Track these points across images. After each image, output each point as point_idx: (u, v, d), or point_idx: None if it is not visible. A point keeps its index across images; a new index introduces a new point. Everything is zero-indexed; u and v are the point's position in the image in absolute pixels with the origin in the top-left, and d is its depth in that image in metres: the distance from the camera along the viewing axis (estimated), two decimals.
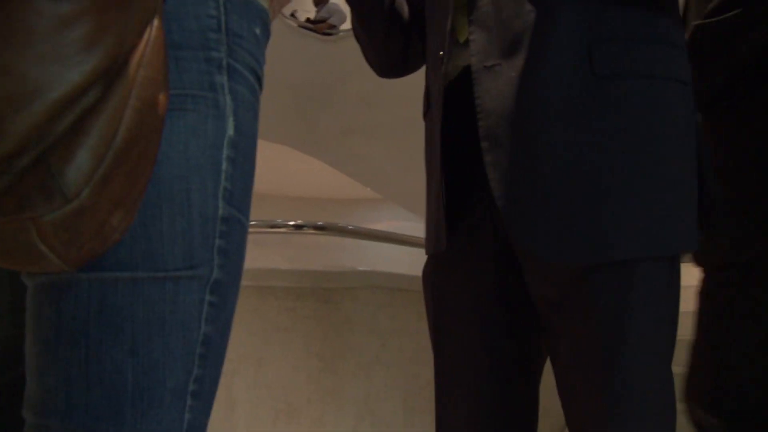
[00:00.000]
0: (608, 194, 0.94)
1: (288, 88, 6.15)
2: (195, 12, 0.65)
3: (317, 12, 8.66)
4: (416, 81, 1.37)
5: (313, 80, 6.40)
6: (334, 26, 8.52)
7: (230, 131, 0.65)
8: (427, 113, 1.20)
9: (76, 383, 0.57)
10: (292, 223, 2.89)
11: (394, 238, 3.16)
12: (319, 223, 2.97)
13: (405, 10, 1.28)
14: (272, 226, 2.92)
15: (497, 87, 0.99)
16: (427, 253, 1.19)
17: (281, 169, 7.78)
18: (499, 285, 1.08)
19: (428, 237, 1.17)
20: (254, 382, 2.53)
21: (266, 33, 0.74)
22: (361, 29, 1.29)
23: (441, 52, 1.08)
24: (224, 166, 0.65)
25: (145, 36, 0.52)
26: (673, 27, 1.02)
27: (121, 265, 0.59)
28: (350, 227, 3.23)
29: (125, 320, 0.58)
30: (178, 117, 0.62)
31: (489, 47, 1.00)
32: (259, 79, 0.72)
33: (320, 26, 8.23)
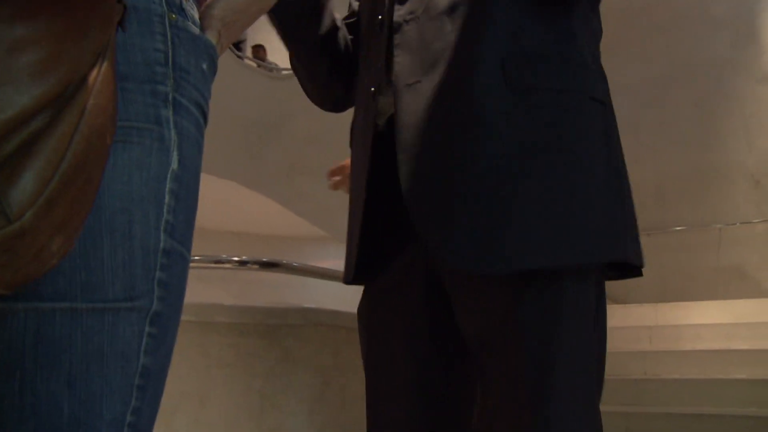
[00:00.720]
0: (521, 203, 0.95)
1: (235, 125, 6.13)
2: (142, 45, 0.66)
3: None
4: None
5: (260, 117, 6.40)
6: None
7: (174, 165, 0.66)
8: (352, 143, 1.21)
9: (9, 415, 0.56)
10: (236, 258, 2.87)
11: (338, 276, 3.15)
12: (264, 259, 2.95)
13: (343, 44, 1.29)
14: (217, 262, 2.90)
15: (415, 102, 1.01)
16: (345, 282, 1.18)
17: (229, 205, 7.71)
18: (431, 323, 1.08)
19: (346, 266, 1.17)
20: (196, 419, 2.47)
21: (213, 68, 0.75)
22: (300, 66, 1.29)
23: (373, 88, 1.10)
24: (167, 199, 0.65)
25: (98, 67, 0.52)
26: (589, 53, 1.06)
27: (60, 295, 0.58)
28: (295, 264, 3.22)
29: (62, 351, 0.58)
30: (123, 149, 0.62)
31: (411, 67, 1.03)
32: (204, 114, 0.73)
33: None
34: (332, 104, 1.34)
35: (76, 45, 0.49)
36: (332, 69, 1.27)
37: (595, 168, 0.99)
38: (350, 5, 1.34)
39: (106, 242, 0.61)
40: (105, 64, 0.53)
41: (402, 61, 1.05)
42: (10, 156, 0.47)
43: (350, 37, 1.30)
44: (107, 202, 0.61)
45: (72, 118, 0.49)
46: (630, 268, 1.07)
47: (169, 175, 0.65)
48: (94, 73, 0.52)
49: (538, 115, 0.98)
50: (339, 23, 1.28)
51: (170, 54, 0.68)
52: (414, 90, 1.02)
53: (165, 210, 0.65)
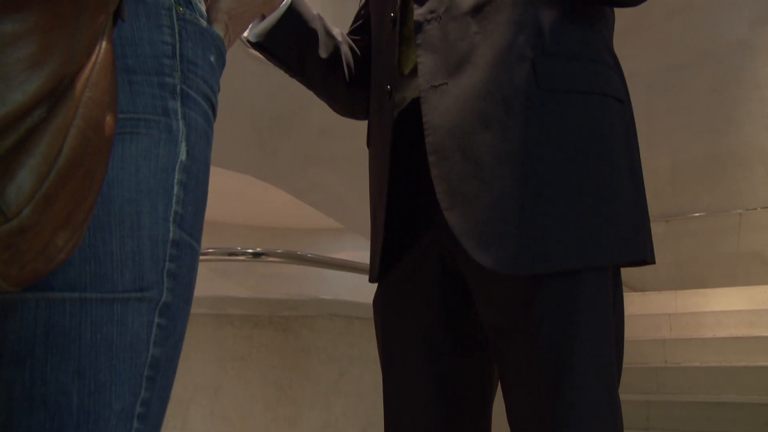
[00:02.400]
0: (553, 205, 0.95)
1: (248, 118, 6.14)
2: (150, 38, 0.66)
3: None
4: None
5: (273, 110, 6.40)
6: None
7: (182, 156, 0.66)
8: (370, 143, 1.22)
9: (19, 405, 0.57)
10: (251, 250, 2.87)
11: (352, 266, 3.15)
12: (278, 250, 2.96)
13: (352, 54, 1.28)
14: (231, 254, 2.91)
15: (444, 104, 1.01)
16: (370, 281, 1.19)
17: (243, 199, 7.75)
18: (446, 312, 1.09)
19: (371, 265, 1.18)
20: (210, 411, 2.49)
21: (221, 61, 0.75)
22: (317, 91, 1.29)
23: (389, 86, 1.10)
24: (175, 190, 0.65)
25: (93, 57, 0.52)
26: (606, 49, 1.07)
27: (69, 285, 0.59)
28: (309, 255, 3.22)
29: (72, 341, 0.58)
30: (131, 140, 0.63)
31: (436, 68, 1.03)
32: (212, 106, 0.73)
33: None
34: (362, 113, 1.33)
35: (67, 36, 0.48)
36: (350, 83, 1.27)
37: (618, 171, 1.01)
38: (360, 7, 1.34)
39: (114, 233, 0.61)
40: (101, 55, 0.53)
41: (425, 61, 1.04)
42: (5, 154, 0.46)
43: (359, 41, 1.29)
44: (115, 194, 0.61)
45: (67, 112, 0.49)
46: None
47: (177, 166, 0.66)
48: (89, 64, 0.51)
49: (568, 117, 0.99)
50: (339, 37, 1.27)
51: (178, 46, 0.68)
52: (441, 92, 1.02)
53: (174, 201, 0.65)
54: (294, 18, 1.19)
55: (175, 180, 0.65)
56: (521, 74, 0.98)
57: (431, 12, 1.06)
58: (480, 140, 0.98)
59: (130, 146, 0.63)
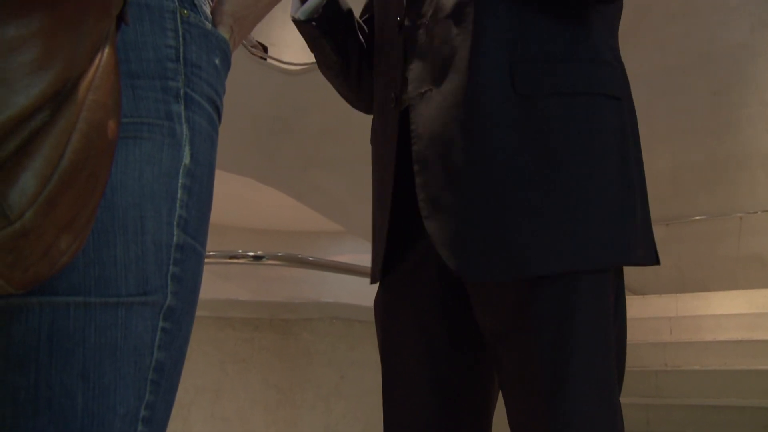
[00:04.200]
0: (531, 210, 0.95)
1: (249, 120, 6.14)
2: (153, 42, 0.66)
3: None
4: None
5: (273, 113, 6.40)
6: None
7: (186, 160, 0.66)
8: (373, 141, 1.21)
9: (24, 408, 0.57)
10: (251, 253, 2.87)
11: (353, 269, 3.15)
12: (279, 253, 2.96)
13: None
14: (232, 257, 2.90)
15: (428, 112, 1.01)
16: (371, 282, 1.19)
17: (244, 201, 7.74)
18: (445, 314, 1.08)
19: (372, 268, 1.18)
20: (211, 413, 2.49)
21: (226, 63, 0.75)
22: (345, 82, 1.28)
23: (393, 93, 1.09)
24: (179, 194, 0.65)
25: (96, 61, 0.52)
26: (602, 43, 1.03)
27: (74, 289, 0.59)
28: (310, 258, 3.22)
29: (76, 345, 0.58)
30: (134, 145, 0.63)
31: (423, 74, 1.03)
32: (217, 109, 0.73)
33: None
34: (367, 107, 1.31)
35: (71, 40, 0.49)
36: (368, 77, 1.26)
37: (606, 172, 0.98)
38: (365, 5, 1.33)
39: (118, 238, 0.61)
40: (104, 59, 0.53)
41: (414, 68, 1.04)
42: (8, 157, 0.46)
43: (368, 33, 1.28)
44: (119, 198, 0.61)
45: (70, 116, 0.49)
46: None
47: (181, 170, 0.66)
48: (93, 68, 0.51)
49: (548, 121, 0.97)
50: (366, 26, 1.28)
51: (181, 50, 0.68)
52: (426, 99, 1.02)
53: (178, 205, 0.65)
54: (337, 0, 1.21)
55: (179, 184, 0.65)
56: (498, 80, 0.97)
57: (421, 16, 1.05)
58: (458, 149, 0.98)
59: (134, 151, 0.63)
